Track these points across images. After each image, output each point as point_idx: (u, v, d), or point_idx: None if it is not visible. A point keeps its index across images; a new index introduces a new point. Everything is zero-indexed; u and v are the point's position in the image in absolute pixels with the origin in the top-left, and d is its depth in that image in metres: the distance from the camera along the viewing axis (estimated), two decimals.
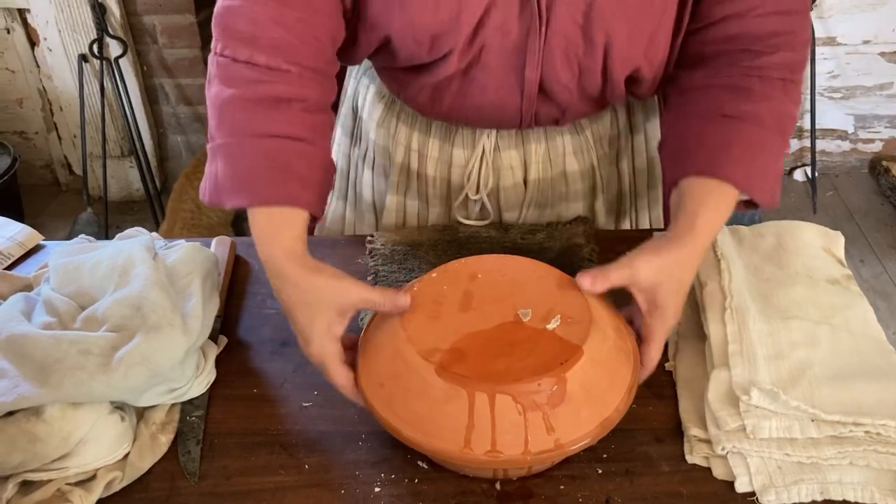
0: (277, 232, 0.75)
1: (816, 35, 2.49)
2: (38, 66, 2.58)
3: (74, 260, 0.84)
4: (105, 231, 2.53)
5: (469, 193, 1.04)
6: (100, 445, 0.74)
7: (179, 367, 0.77)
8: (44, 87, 2.62)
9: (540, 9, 0.81)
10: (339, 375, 0.75)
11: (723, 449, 0.74)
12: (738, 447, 0.73)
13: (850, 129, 2.75)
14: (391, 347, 0.72)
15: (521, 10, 0.82)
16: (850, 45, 2.57)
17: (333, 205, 1.17)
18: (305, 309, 0.74)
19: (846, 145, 2.79)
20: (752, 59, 0.83)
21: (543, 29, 0.83)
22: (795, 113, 0.85)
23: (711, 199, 0.79)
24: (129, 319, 0.77)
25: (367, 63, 1.07)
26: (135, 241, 0.84)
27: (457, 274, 0.78)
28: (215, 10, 0.80)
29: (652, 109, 1.07)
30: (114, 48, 2.46)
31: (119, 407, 0.77)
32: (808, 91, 2.59)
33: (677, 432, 0.78)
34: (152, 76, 2.62)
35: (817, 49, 2.52)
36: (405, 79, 0.96)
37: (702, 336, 0.86)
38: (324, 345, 0.74)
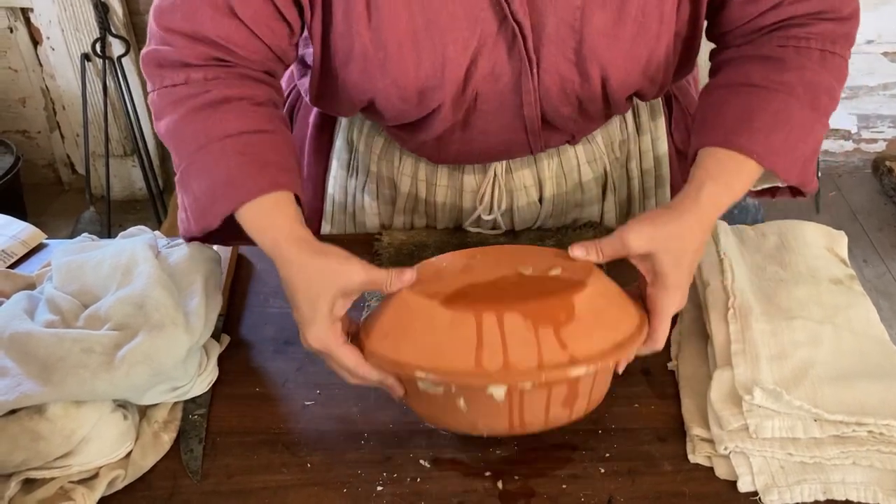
0: (273, 219, 0.74)
1: None
2: (40, 66, 2.58)
3: (77, 258, 0.84)
4: (108, 230, 2.53)
5: (482, 214, 1.02)
6: (102, 443, 0.74)
7: (182, 366, 0.77)
8: (46, 87, 2.63)
9: (528, 51, 0.79)
10: (346, 356, 0.72)
11: (725, 448, 0.74)
12: (741, 447, 0.73)
13: (854, 129, 2.75)
14: (394, 305, 0.72)
15: (509, 55, 0.80)
16: (854, 44, 2.56)
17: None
18: (309, 292, 0.71)
19: (849, 145, 2.79)
20: (788, 29, 0.80)
21: (535, 70, 0.81)
22: (835, 87, 0.80)
23: (722, 172, 0.76)
24: (131, 318, 0.77)
25: None
26: (137, 240, 0.84)
27: (457, 255, 0.79)
28: (142, 56, 0.81)
29: (657, 109, 1.06)
30: (116, 47, 2.46)
31: (121, 405, 0.77)
32: None
33: (680, 432, 0.78)
34: None
35: None
36: (404, 135, 0.95)
37: (704, 335, 0.86)
38: (325, 329, 0.71)
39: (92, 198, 2.61)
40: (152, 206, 2.60)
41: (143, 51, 0.80)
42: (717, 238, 0.94)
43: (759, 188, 0.86)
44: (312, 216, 1.12)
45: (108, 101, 2.52)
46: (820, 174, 2.67)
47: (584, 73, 0.82)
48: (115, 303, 0.78)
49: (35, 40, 2.53)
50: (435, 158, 0.97)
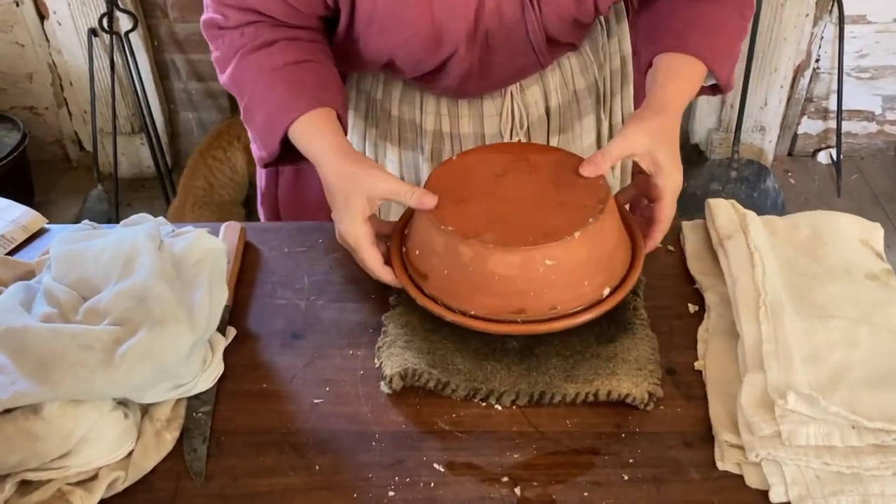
0: (319, 131, 0.87)
1: (845, 13, 2.41)
2: (47, 40, 2.53)
3: (77, 248, 0.81)
4: (115, 209, 2.50)
5: (505, 138, 1.07)
6: (102, 444, 0.71)
7: (185, 363, 0.74)
8: (53, 62, 2.58)
9: None
10: (370, 254, 0.83)
11: (756, 456, 0.70)
12: (773, 454, 0.70)
13: (878, 111, 2.67)
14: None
15: None
16: (881, 23, 2.48)
17: None
18: (342, 193, 0.83)
19: (873, 127, 2.71)
20: None
21: (536, 4, 0.89)
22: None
23: (681, 71, 0.90)
24: (132, 312, 0.73)
25: None
26: (139, 229, 0.80)
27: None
28: (202, 21, 0.93)
29: (621, 13, 1.11)
30: (124, 22, 2.41)
31: (122, 402, 0.74)
32: (836, 71, 2.52)
33: (707, 437, 0.74)
34: (163, 51, 2.57)
35: (846, 28, 2.44)
36: (426, 85, 1.01)
37: (733, 333, 0.82)
38: (355, 225, 0.82)
39: (100, 176, 2.57)
40: (161, 185, 2.56)
41: (203, 17, 0.93)
42: (746, 229, 0.89)
43: None
44: None
45: (116, 78, 2.47)
46: (842, 157, 2.61)
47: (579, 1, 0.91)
48: (115, 296, 0.74)
49: (41, 14, 2.48)
50: (458, 96, 1.04)
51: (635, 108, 1.14)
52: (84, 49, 2.47)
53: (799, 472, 0.69)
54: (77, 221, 2.51)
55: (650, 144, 0.83)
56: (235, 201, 2.46)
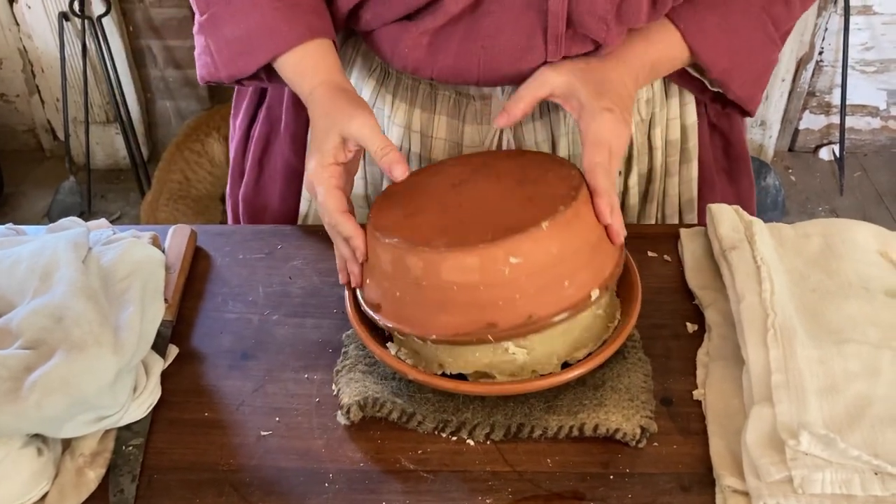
0: (311, 67, 0.76)
1: (851, 3, 2.32)
2: (17, 24, 2.42)
3: None
4: (88, 202, 2.39)
5: None
6: (9, 487, 0.61)
7: (109, 393, 0.64)
8: (24, 47, 2.47)
9: None
10: (331, 198, 0.70)
11: None
12: (784, 503, 0.60)
13: (882, 106, 2.59)
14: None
15: None
16: (887, 14, 2.39)
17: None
18: (322, 132, 0.72)
19: (876, 122, 2.62)
20: None
21: None
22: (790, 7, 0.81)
23: (647, 30, 0.78)
24: (47, 333, 0.63)
25: (348, 33, 0.92)
26: (62, 237, 0.70)
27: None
28: None
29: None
30: (97, 6, 2.30)
31: (37, 436, 0.65)
32: (840, 64, 2.42)
33: (707, 479, 0.65)
34: (139, 37, 2.46)
35: (851, 19, 2.34)
36: (399, 31, 0.79)
37: (737, 358, 0.73)
38: (322, 164, 0.71)
39: (73, 167, 2.47)
40: (136, 177, 2.46)
41: None
42: (752, 239, 0.80)
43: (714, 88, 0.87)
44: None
45: (89, 64, 2.36)
46: (845, 153, 2.52)
47: None
48: (29, 314, 0.64)
49: None
50: (427, 66, 0.81)
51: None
52: (55, 34, 2.36)
53: None
54: (47, 214, 2.43)
55: (571, 83, 0.73)
56: (213, 195, 2.36)
